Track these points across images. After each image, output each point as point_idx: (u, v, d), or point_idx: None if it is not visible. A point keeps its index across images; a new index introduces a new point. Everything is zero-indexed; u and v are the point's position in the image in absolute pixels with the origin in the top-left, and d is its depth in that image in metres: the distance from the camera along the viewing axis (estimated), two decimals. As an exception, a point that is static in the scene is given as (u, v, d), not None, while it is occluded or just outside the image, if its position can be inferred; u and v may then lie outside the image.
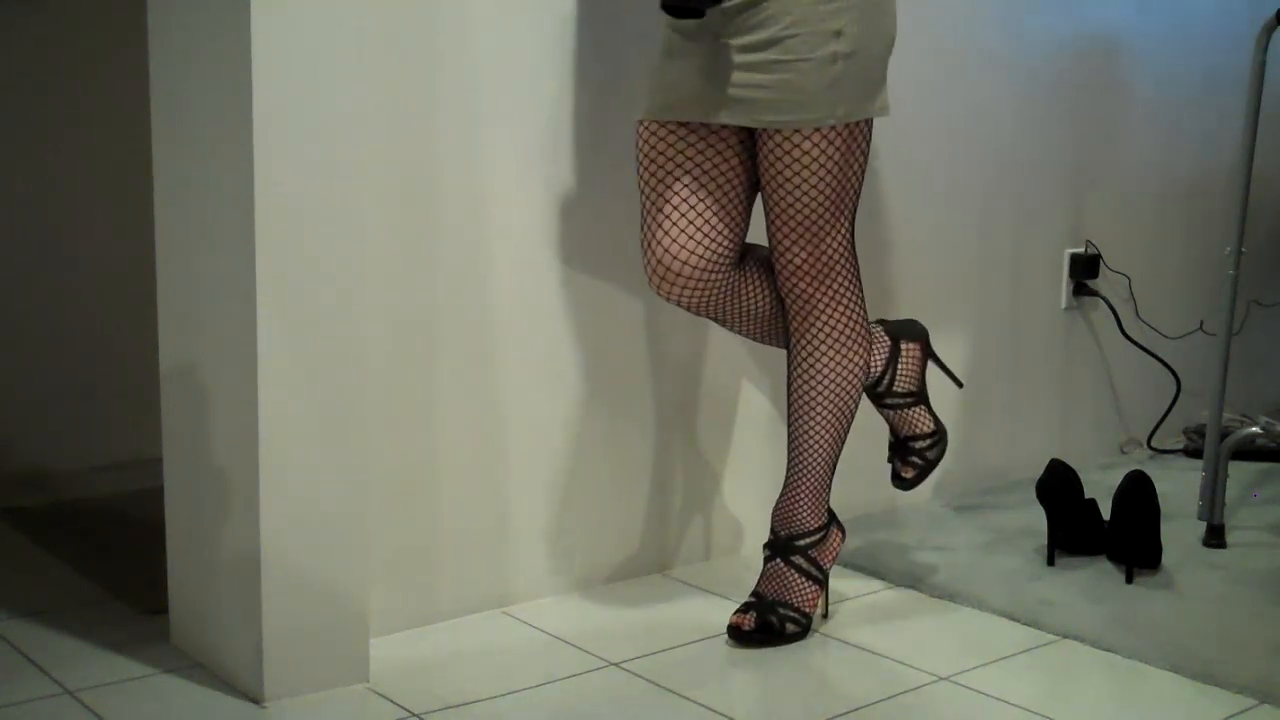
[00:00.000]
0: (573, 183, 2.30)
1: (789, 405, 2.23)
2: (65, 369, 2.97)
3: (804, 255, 2.13)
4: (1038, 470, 2.57)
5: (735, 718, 1.93)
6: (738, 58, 2.02)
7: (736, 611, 2.19)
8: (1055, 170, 3.07)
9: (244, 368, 1.89)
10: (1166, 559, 2.51)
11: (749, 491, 2.60)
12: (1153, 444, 3.32)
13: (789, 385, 2.23)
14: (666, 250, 2.11)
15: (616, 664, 2.10)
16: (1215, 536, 2.63)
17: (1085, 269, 3.14)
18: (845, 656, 2.15)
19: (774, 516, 2.23)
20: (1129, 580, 2.43)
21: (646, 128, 2.12)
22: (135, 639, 2.12)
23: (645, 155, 2.13)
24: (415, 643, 2.16)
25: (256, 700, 1.93)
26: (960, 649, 2.18)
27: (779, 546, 2.22)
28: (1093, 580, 2.44)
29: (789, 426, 2.23)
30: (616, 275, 2.36)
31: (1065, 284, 3.13)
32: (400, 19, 2.08)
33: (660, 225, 2.11)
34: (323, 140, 1.87)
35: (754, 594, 2.21)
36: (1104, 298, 3.17)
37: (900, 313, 2.79)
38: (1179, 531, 2.65)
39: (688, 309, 2.18)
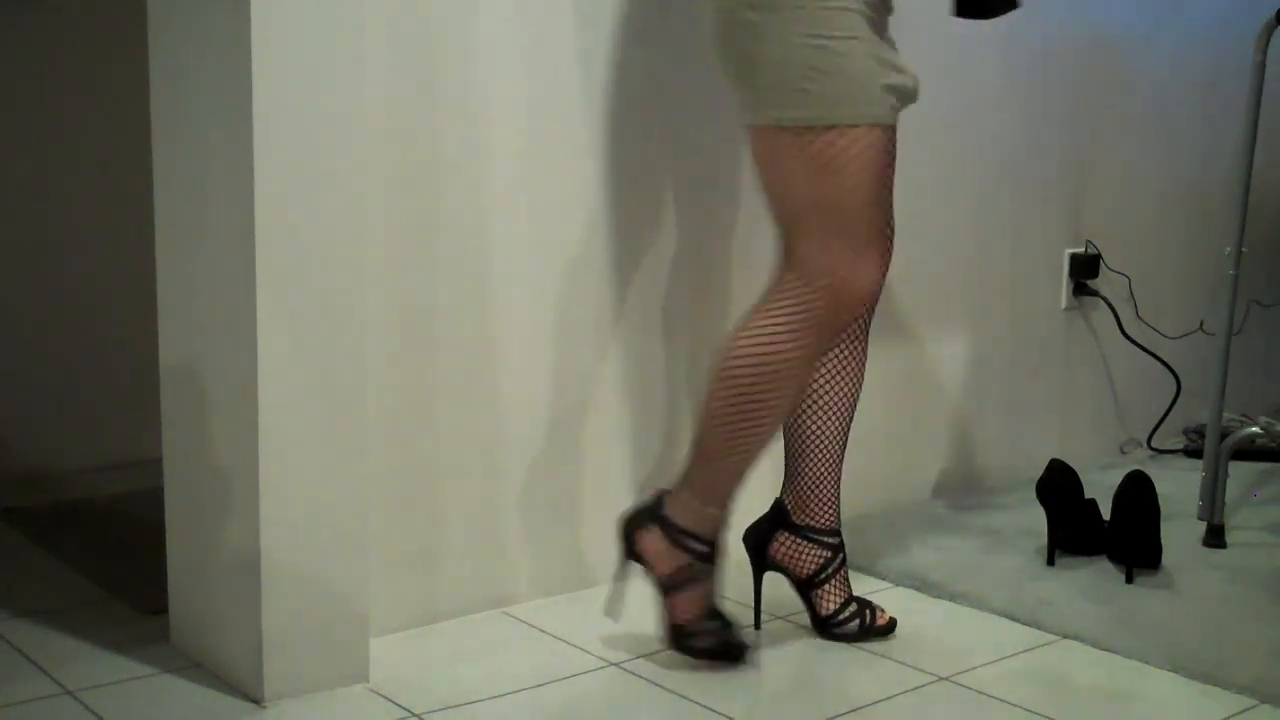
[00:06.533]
0: (574, 182, 2.30)
1: (843, 397, 2.17)
2: (65, 369, 2.97)
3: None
4: (1038, 470, 2.56)
5: (735, 718, 1.93)
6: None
7: (880, 609, 2.21)
8: (1055, 170, 3.07)
9: (244, 368, 1.89)
10: (1166, 559, 2.51)
11: (749, 492, 2.59)
12: (1153, 444, 3.32)
13: (847, 379, 2.17)
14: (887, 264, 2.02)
15: (616, 664, 2.10)
16: (1215, 536, 2.63)
17: (1085, 269, 3.14)
18: (845, 656, 2.15)
19: (833, 514, 2.20)
20: (1129, 580, 2.43)
21: (885, 132, 1.95)
22: (135, 639, 2.12)
23: (885, 162, 1.96)
24: (415, 643, 2.16)
25: (256, 700, 1.93)
26: (960, 649, 2.18)
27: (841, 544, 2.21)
28: (1093, 580, 2.44)
29: (840, 419, 2.18)
30: (620, 275, 2.36)
31: (1065, 284, 3.13)
32: (400, 18, 2.08)
33: (884, 235, 2.00)
34: (323, 140, 1.87)
35: (853, 598, 2.20)
36: (1104, 298, 3.17)
37: (899, 312, 2.79)
38: (1179, 531, 2.65)
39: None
